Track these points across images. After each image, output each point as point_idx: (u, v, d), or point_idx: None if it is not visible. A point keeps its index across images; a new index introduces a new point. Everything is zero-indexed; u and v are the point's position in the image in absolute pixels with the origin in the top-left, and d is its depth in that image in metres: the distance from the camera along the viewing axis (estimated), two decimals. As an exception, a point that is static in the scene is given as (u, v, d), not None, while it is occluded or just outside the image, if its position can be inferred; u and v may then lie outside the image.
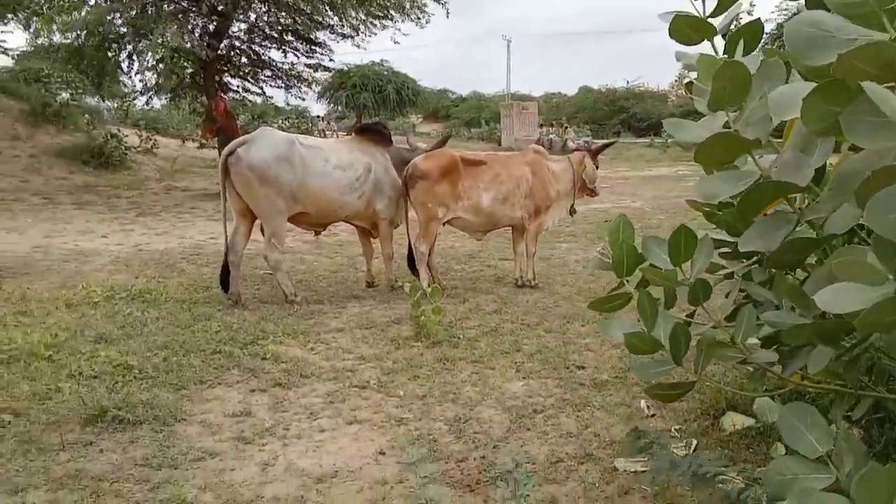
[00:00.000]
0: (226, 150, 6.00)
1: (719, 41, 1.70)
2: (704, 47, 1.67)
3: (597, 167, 6.64)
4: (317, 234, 6.77)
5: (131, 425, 3.51)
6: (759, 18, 1.65)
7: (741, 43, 1.62)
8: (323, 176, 5.99)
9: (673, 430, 3.42)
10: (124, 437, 3.41)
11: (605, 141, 8.09)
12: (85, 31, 13.21)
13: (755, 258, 2.31)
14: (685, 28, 1.56)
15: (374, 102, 30.80)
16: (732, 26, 1.70)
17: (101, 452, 3.27)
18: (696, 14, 1.59)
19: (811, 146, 1.48)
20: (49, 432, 3.44)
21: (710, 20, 1.59)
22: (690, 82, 1.76)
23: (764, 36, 1.76)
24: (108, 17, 13.13)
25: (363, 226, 6.62)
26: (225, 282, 5.95)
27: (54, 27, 13.38)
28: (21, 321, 5.19)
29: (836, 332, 1.54)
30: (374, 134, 6.57)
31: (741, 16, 1.74)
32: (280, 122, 25.84)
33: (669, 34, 1.58)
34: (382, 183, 6.35)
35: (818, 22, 1.16)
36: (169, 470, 3.11)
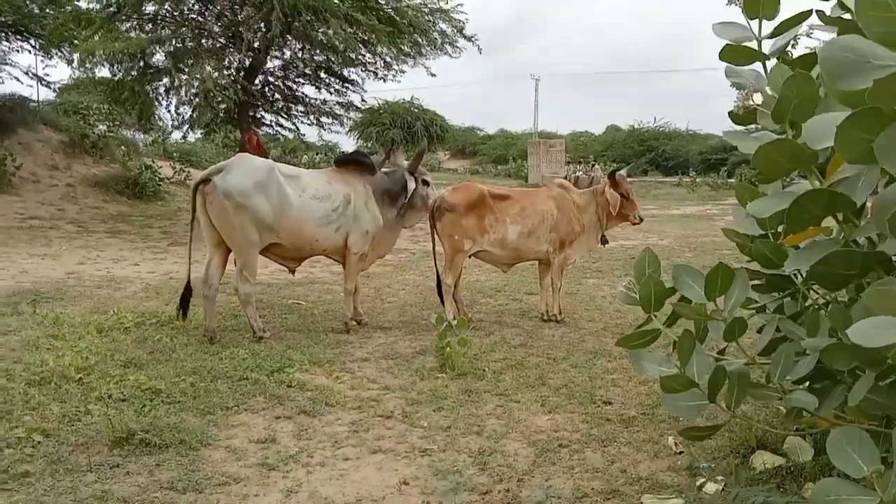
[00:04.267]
0: (199, 177, 5.77)
1: (769, 63, 1.70)
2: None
3: (624, 194, 6.48)
4: (291, 270, 6.42)
5: (158, 449, 3.53)
6: (814, 52, 1.66)
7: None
8: (299, 207, 5.73)
9: (702, 468, 3.35)
10: (150, 460, 3.44)
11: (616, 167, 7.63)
12: (124, 64, 13.62)
13: (788, 291, 2.28)
14: (735, 55, 1.58)
15: (403, 138, 31.23)
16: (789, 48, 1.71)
17: (128, 475, 3.29)
18: (751, 32, 1.60)
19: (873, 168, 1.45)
20: (77, 453, 3.47)
21: (763, 41, 1.60)
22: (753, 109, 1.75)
23: None
24: (148, 50, 13.52)
25: (340, 261, 6.30)
26: (185, 306, 5.89)
27: (95, 59, 13.79)
28: (53, 344, 5.28)
29: (877, 354, 1.51)
30: (355, 164, 6.27)
31: (799, 37, 1.75)
32: (310, 156, 26.22)
33: (720, 57, 1.59)
34: (361, 217, 6.05)
35: (854, 48, 1.16)
36: (193, 494, 3.12)
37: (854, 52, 1.16)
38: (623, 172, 6.65)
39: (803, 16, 1.65)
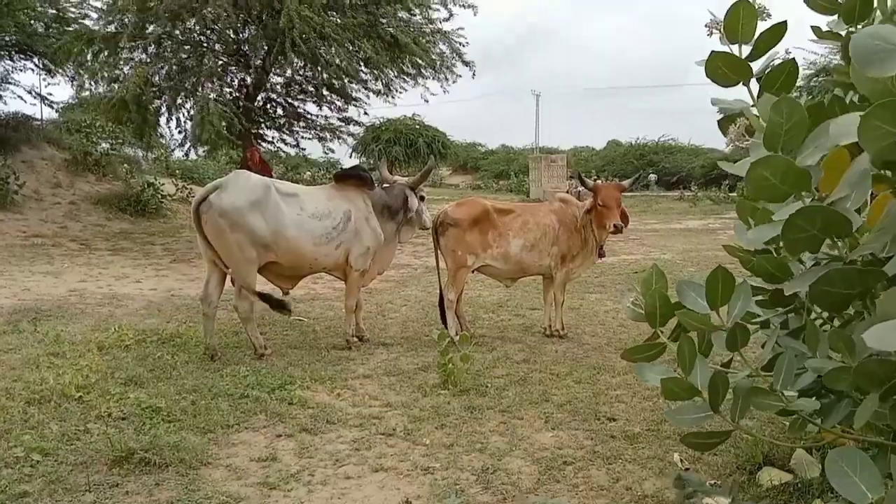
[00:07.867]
0: (198, 195, 5.71)
1: (754, 85, 1.69)
2: (740, 92, 1.66)
3: (601, 203, 6.16)
4: (285, 292, 6.18)
5: (157, 468, 3.50)
6: (793, 58, 1.65)
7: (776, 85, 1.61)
8: (297, 225, 5.64)
9: (708, 484, 3.31)
10: (150, 479, 3.40)
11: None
12: (127, 88, 13.67)
13: (792, 305, 2.26)
14: (722, 67, 1.56)
15: (405, 155, 31.31)
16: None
17: (127, 494, 3.25)
18: (734, 54, 1.59)
19: (862, 189, 1.42)
20: (76, 473, 3.44)
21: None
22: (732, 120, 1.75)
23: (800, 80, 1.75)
24: (150, 76, 13.58)
25: (341, 277, 6.24)
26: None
27: (98, 80, 13.86)
28: (54, 362, 5.25)
29: (880, 373, 1.48)
30: (354, 179, 6.20)
31: (776, 59, 1.73)
32: (312, 172, 26.25)
33: (706, 73, 1.58)
34: (362, 232, 5.99)
35: (884, 36, 1.13)
36: (193, 514, 3.09)
37: (884, 41, 1.13)
38: (625, 183, 6.64)
39: (778, 28, 1.64)
